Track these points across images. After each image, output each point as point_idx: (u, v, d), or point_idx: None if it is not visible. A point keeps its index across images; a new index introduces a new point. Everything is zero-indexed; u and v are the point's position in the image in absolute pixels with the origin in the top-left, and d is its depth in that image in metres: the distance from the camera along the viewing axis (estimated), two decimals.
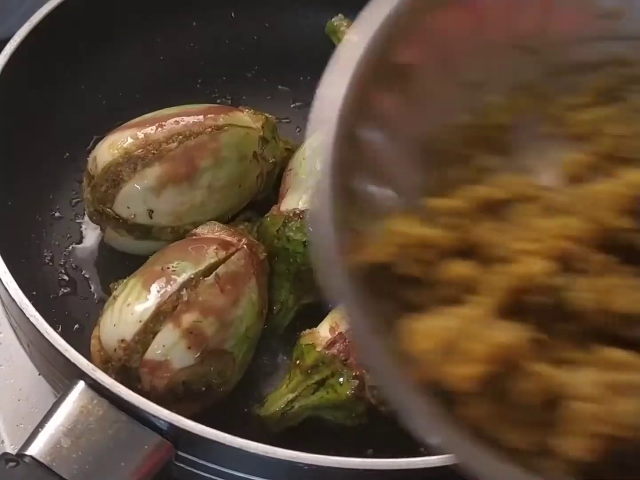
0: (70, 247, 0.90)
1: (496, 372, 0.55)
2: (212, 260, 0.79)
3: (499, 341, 0.55)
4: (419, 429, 0.54)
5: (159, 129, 0.84)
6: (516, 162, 0.67)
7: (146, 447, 0.67)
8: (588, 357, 0.57)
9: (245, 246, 0.81)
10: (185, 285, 0.77)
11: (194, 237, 0.83)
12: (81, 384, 0.69)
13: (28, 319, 0.72)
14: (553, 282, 0.58)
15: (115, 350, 0.76)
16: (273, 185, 0.91)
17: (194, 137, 0.84)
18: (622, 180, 0.62)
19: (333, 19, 0.96)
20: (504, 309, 0.57)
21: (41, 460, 0.66)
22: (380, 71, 0.63)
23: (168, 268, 0.78)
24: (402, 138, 0.65)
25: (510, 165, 0.67)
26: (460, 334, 0.55)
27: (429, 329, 0.56)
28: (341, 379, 0.77)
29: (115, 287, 0.81)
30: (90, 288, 0.88)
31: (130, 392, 0.69)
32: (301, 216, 0.83)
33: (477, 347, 0.55)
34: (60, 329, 0.76)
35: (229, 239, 0.82)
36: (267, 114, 0.90)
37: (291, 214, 0.83)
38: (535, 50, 0.69)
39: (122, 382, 0.70)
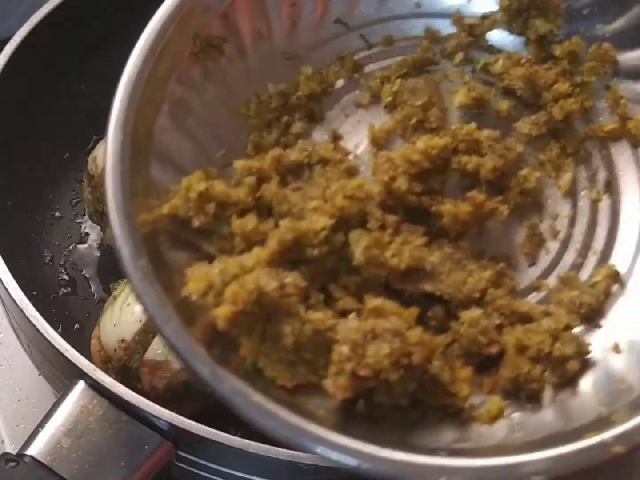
0: (70, 247, 0.90)
1: (252, 313, 0.58)
2: None
3: (253, 285, 0.58)
4: (203, 377, 0.58)
5: None
6: (330, 128, 0.72)
7: (146, 447, 0.67)
8: (360, 307, 0.62)
9: None
10: None
11: None
12: (81, 384, 0.69)
13: (28, 319, 0.72)
14: (332, 237, 0.62)
15: (115, 350, 0.76)
16: None
17: None
18: (413, 147, 0.66)
19: None
20: (280, 259, 0.61)
21: (41, 460, 0.66)
22: (189, 42, 0.68)
23: None
24: (213, 102, 0.70)
25: (323, 131, 0.72)
26: (223, 278, 0.59)
27: (197, 274, 0.60)
28: None
29: (115, 287, 0.81)
30: (90, 288, 0.88)
31: (130, 392, 0.69)
32: None
33: (232, 289, 0.58)
34: (60, 329, 0.76)
35: None
36: None
37: None
38: (352, 27, 0.75)
39: (122, 382, 0.70)
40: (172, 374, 0.75)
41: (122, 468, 0.67)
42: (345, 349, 0.58)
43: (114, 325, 0.77)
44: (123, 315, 0.77)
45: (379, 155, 0.68)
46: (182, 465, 0.70)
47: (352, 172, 0.68)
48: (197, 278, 0.60)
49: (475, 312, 0.64)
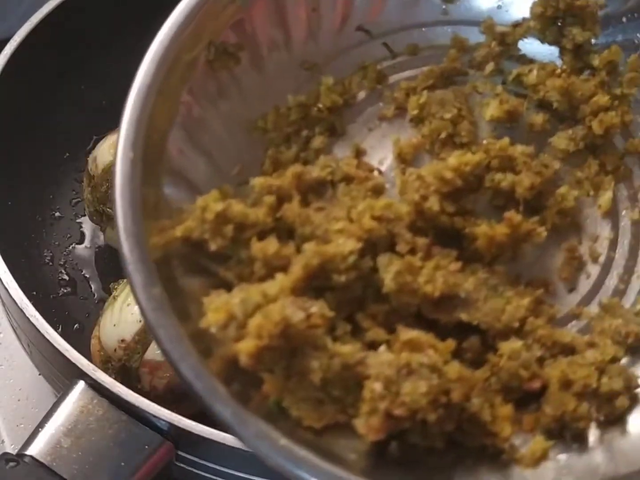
0: (70, 247, 0.90)
1: (278, 347, 0.53)
2: None
3: (279, 316, 0.53)
4: (225, 420, 0.54)
5: None
6: (353, 143, 0.67)
7: (146, 447, 0.67)
8: (390, 338, 0.57)
9: None
10: None
11: None
12: (81, 384, 0.69)
13: (28, 319, 0.72)
14: (360, 262, 0.58)
15: (115, 350, 0.76)
16: None
17: None
18: (445, 164, 0.62)
19: None
20: (305, 286, 0.56)
21: (41, 460, 0.66)
22: (203, 51, 0.63)
23: None
24: (228, 115, 0.65)
25: (345, 146, 0.67)
26: (245, 308, 0.54)
27: (216, 304, 0.55)
28: None
29: (115, 287, 0.81)
30: (90, 288, 0.88)
31: (130, 392, 0.69)
32: None
33: (256, 321, 0.53)
34: (60, 329, 0.76)
35: None
36: None
37: None
38: (375, 35, 0.70)
39: (122, 382, 0.70)
40: (172, 374, 0.75)
41: (122, 468, 0.67)
42: (378, 386, 0.53)
43: (114, 325, 0.77)
44: (123, 315, 0.77)
45: (407, 172, 0.63)
46: (182, 465, 0.70)
47: (378, 190, 0.63)
48: (216, 308, 0.55)
49: (515, 344, 0.59)
